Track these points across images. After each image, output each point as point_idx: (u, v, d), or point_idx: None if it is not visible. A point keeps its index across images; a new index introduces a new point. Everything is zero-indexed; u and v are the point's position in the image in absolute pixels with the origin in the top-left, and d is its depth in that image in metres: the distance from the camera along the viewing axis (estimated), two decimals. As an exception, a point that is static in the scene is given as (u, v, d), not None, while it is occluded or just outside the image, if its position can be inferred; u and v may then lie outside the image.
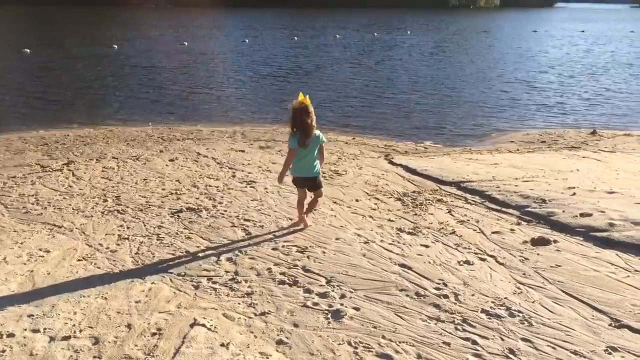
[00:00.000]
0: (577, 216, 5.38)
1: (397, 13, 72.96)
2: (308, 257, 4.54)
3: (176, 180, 6.72)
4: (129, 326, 3.46)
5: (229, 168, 7.38)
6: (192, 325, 3.47)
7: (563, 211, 5.54)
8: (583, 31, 48.77)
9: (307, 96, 4.79)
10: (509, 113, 13.38)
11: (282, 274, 4.23)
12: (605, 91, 16.62)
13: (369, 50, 28.82)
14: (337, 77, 19.08)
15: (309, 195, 5.27)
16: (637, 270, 4.26)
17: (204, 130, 10.78)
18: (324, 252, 4.63)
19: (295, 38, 35.39)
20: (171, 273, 4.24)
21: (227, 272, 4.27)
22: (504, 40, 37.68)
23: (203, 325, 3.48)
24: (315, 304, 3.78)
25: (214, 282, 4.10)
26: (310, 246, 4.76)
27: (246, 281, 4.11)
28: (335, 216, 5.57)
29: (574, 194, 6.03)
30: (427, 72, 20.63)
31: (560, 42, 36.98)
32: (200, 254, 4.59)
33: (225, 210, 5.66)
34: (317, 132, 4.89)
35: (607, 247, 4.76)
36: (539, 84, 17.84)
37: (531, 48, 31.67)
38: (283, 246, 4.76)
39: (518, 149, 9.36)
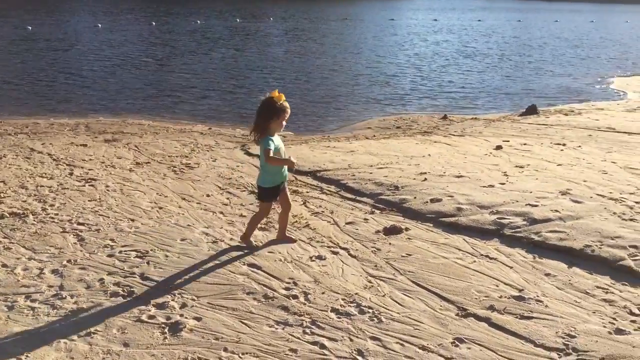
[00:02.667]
0: (427, 202, 5.41)
1: (262, 1, 72.37)
2: (148, 262, 4.12)
3: (0, 182, 5.92)
4: None
5: (67, 165, 6.66)
6: (-3, 357, 2.95)
7: (415, 197, 5.56)
8: (436, 20, 51.38)
9: (277, 91, 4.28)
10: (366, 99, 13.57)
11: (116, 284, 3.78)
12: (455, 77, 17.46)
13: (230, 37, 28.19)
14: (194, 65, 18.36)
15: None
16: (482, 255, 4.32)
17: (42, 123, 9.76)
18: (167, 256, 4.23)
19: (153, 23, 33.77)
20: (-20, 293, 3.63)
21: (50, 287, 3.74)
22: (363, 27, 38.63)
23: (11, 354, 2.96)
24: (151, 317, 3.39)
25: (33, 300, 3.56)
26: (151, 250, 4.33)
27: (72, 296, 3.61)
28: (183, 214, 5.16)
29: (425, 179, 6.10)
30: (284, 60, 20.49)
31: (414, 30, 38.59)
32: (19, 267, 3.99)
33: (57, 214, 5.04)
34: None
35: (455, 232, 4.80)
36: (389, 71, 18.34)
37: (387, 36, 32.72)
38: (120, 252, 4.29)
39: (374, 135, 9.43)
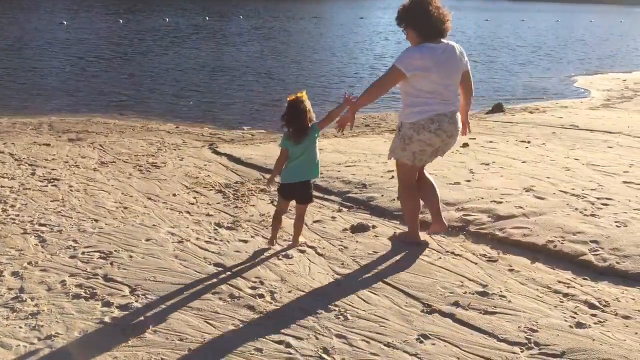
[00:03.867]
0: (394, 200, 5.44)
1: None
2: (111, 263, 4.05)
3: (-41, 182, 5.77)
4: None
5: (29, 165, 6.52)
6: (-47, 363, 2.86)
7: (382, 195, 5.59)
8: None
9: (305, 92, 4.24)
10: (335, 97, 13.59)
11: (79, 286, 3.71)
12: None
13: (197, 36, 27.97)
14: (162, 63, 18.18)
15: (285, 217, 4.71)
16: (447, 251, 4.36)
17: (4, 122, 9.53)
18: (131, 257, 4.17)
19: (120, 21, 33.28)
20: None
21: (9, 289, 3.65)
22: (332, 26, 38.70)
23: (-32, 360, 2.88)
24: (114, 318, 3.33)
25: (-8, 304, 3.47)
26: (115, 250, 4.26)
27: (32, 299, 3.53)
28: (148, 214, 5.09)
29: (393, 177, 6.11)
30: (252, 58, 20.42)
31: (383, 28, 38.77)
32: (-23, 271, 3.89)
33: (17, 215, 4.93)
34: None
35: (421, 229, 4.80)
36: (357, 69, 18.41)
37: (356, 34, 32.84)
38: (83, 253, 4.21)
39: (343, 134, 9.42)
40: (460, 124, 4.25)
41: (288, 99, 4.21)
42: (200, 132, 9.28)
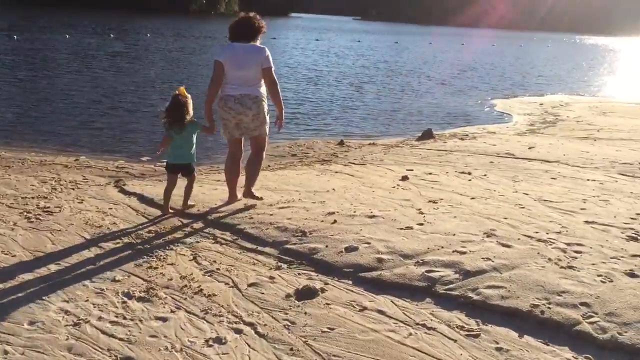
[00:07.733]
0: (342, 251, 4.61)
1: (135, 16, 69.36)
2: (-23, 367, 2.95)
3: None
4: None
5: None
6: None
7: (326, 246, 4.74)
8: (317, 40, 51.79)
9: (183, 88, 5.40)
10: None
11: None
12: (345, 101, 17.07)
13: (101, 55, 26.21)
14: (61, 85, 16.51)
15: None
16: (417, 324, 3.56)
17: None
18: (7, 353, 3.08)
19: (15, 37, 30.78)
20: None
21: None
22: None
23: None
24: None
25: None
26: (-17, 344, 3.15)
27: None
28: (33, 282, 3.97)
29: (335, 221, 5.30)
30: (159, 79, 19.19)
31: (296, 51, 38.41)
32: None
33: None
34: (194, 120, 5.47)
35: (379, 291, 4.03)
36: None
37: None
38: (-63, 351, 3.07)
39: (269, 165, 8.54)
40: (256, 106, 5.48)
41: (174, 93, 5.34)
42: (104, 166, 8.05)
